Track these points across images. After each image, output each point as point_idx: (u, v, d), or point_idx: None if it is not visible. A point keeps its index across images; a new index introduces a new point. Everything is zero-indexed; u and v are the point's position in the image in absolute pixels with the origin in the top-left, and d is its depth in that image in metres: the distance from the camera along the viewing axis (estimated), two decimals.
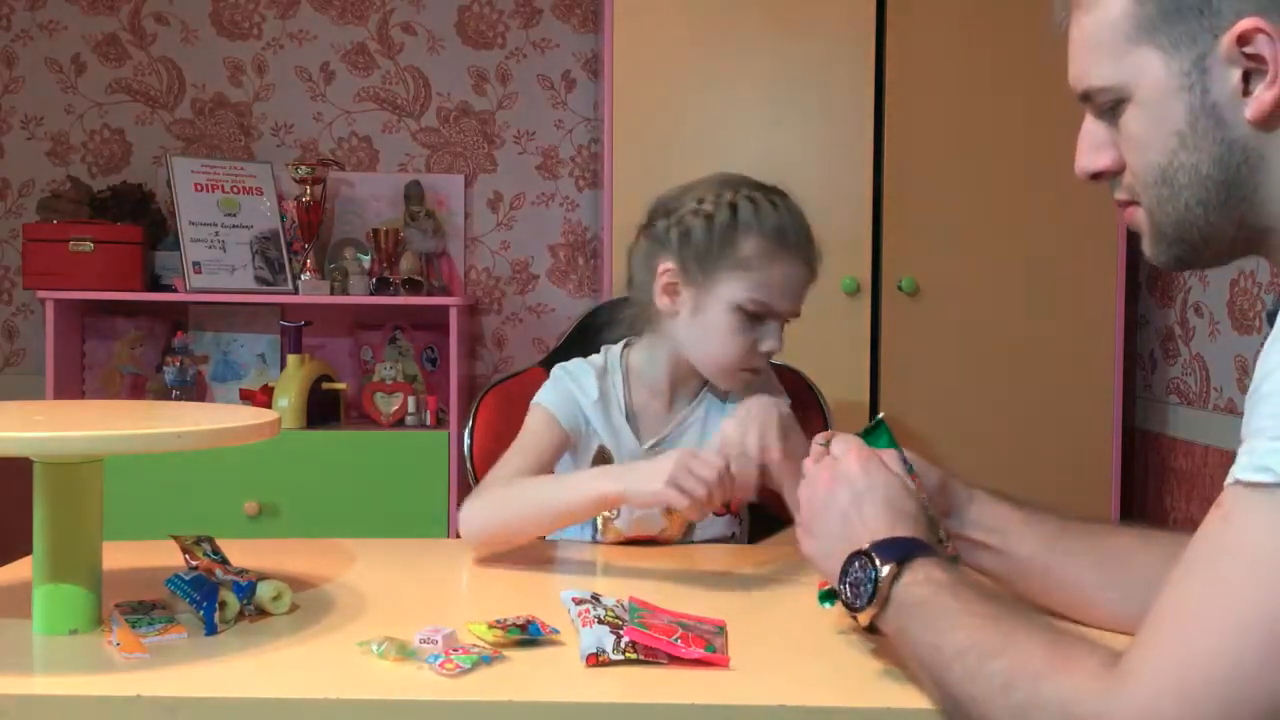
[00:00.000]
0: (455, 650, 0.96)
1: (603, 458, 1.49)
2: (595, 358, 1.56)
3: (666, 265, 1.45)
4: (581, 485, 1.34)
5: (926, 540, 0.93)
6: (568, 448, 1.49)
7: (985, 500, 1.10)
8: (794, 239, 1.43)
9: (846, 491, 0.98)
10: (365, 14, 3.07)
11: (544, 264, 3.11)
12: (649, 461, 1.31)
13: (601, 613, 1.02)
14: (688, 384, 1.54)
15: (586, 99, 3.09)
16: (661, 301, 1.47)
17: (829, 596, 1.03)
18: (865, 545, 0.91)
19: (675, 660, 0.95)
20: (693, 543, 1.51)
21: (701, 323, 1.44)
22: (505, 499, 1.39)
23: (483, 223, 3.11)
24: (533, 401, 1.51)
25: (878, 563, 0.89)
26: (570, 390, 1.50)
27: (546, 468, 1.46)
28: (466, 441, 1.74)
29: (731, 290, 1.41)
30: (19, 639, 1.04)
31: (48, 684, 0.95)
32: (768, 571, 1.34)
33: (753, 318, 1.42)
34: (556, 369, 1.55)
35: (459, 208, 3.08)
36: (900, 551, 0.89)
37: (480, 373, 3.11)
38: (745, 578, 1.31)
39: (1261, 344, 0.80)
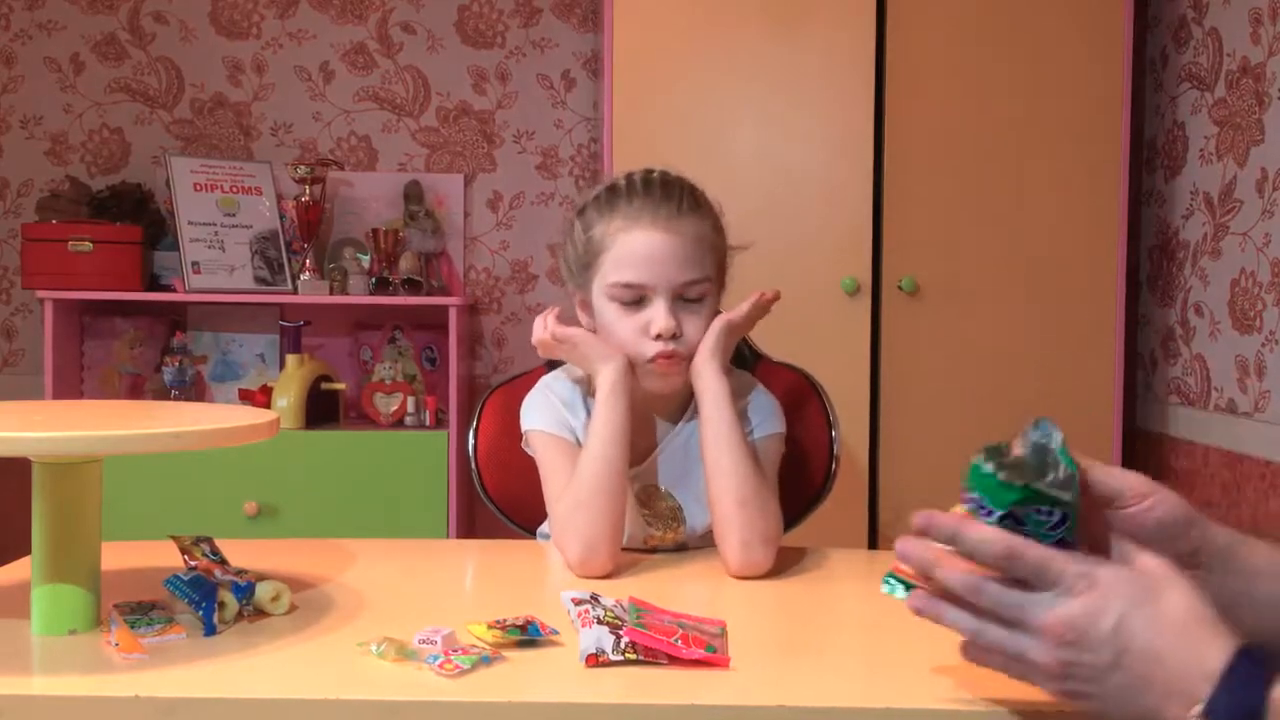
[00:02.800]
0: (454, 651, 0.96)
1: None
2: (578, 372, 1.48)
3: (571, 290, 1.47)
4: (598, 420, 1.35)
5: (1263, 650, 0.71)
6: None
7: (1258, 545, 0.85)
8: (647, 209, 1.36)
9: (1118, 624, 0.73)
10: (365, 13, 3.07)
11: (544, 264, 3.11)
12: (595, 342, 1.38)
13: (601, 613, 1.02)
14: (667, 405, 1.46)
15: (586, 98, 3.09)
16: (582, 321, 1.46)
17: (898, 581, 0.85)
18: (1196, 708, 0.70)
19: (675, 661, 0.95)
20: (685, 549, 1.49)
21: (600, 325, 1.41)
22: (571, 505, 1.33)
23: (482, 222, 3.11)
24: (528, 428, 1.45)
25: None
26: (559, 410, 1.44)
27: None
28: (470, 442, 1.74)
29: (600, 278, 1.39)
30: (17, 639, 1.03)
31: (46, 684, 0.95)
32: (768, 571, 1.33)
33: (632, 303, 1.37)
34: (539, 387, 1.49)
35: (458, 207, 3.08)
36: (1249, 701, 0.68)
37: (480, 373, 3.11)
38: (745, 577, 1.30)
39: None
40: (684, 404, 1.47)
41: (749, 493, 1.31)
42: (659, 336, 1.36)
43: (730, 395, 1.37)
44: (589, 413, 1.42)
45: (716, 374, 1.37)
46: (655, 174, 1.43)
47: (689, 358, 1.38)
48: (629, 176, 1.43)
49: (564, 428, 1.43)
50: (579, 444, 1.41)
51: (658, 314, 1.36)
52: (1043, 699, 0.84)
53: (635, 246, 1.36)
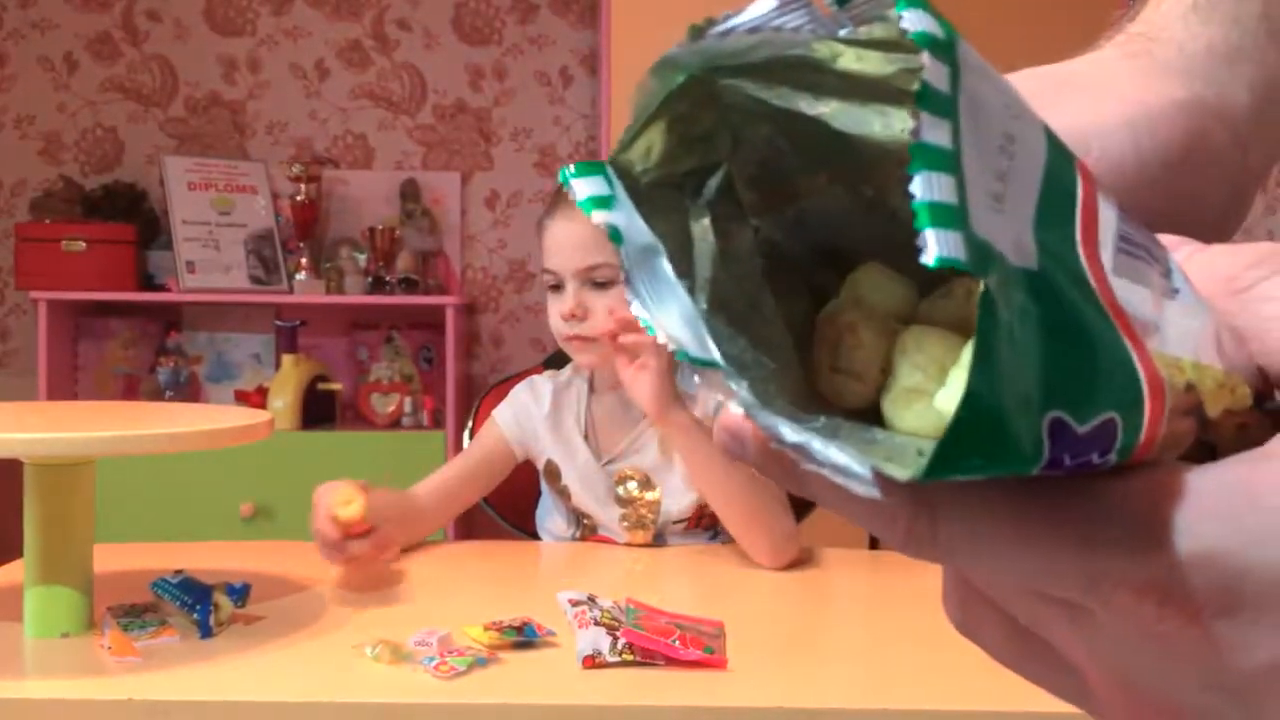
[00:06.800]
0: (450, 652, 0.95)
1: (551, 472, 1.50)
2: (566, 368, 1.56)
3: None
4: None
5: None
6: (515, 463, 1.52)
7: None
8: (564, 200, 1.45)
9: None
10: (360, 10, 3.06)
11: (541, 262, 3.09)
12: None
13: (598, 614, 1.02)
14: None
15: (584, 95, 3.08)
16: None
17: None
18: None
19: (673, 662, 0.94)
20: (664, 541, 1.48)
21: None
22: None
23: (479, 221, 3.10)
24: (492, 412, 1.54)
25: None
26: (526, 404, 1.52)
27: (483, 479, 1.51)
28: (467, 442, 1.73)
29: None
30: (10, 642, 1.03)
31: (39, 687, 0.94)
32: (767, 571, 1.33)
33: (554, 287, 1.48)
34: (524, 383, 1.57)
35: (455, 206, 3.07)
36: None
37: (477, 372, 3.10)
38: (745, 578, 1.30)
39: None
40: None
41: (757, 502, 1.32)
42: (568, 318, 1.44)
43: (697, 422, 1.35)
44: (554, 407, 1.50)
45: (671, 417, 1.34)
46: None
47: (599, 338, 1.41)
48: None
49: (514, 428, 1.50)
50: (519, 446, 1.49)
51: (565, 298, 1.46)
52: (1045, 701, 0.84)
53: (549, 236, 1.49)
